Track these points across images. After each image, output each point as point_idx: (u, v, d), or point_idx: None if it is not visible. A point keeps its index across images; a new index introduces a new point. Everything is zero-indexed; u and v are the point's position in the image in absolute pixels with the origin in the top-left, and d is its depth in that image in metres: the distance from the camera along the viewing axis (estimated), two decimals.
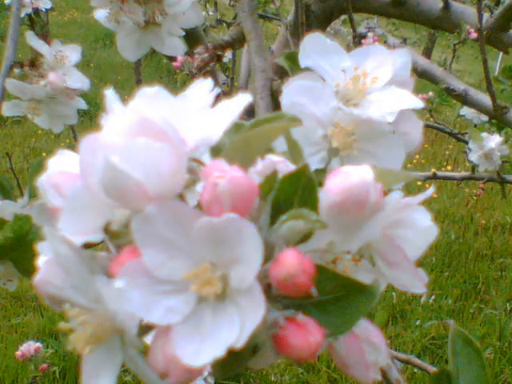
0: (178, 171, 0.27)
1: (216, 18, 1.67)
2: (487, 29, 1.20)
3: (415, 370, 2.08)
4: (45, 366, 1.84)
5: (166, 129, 0.27)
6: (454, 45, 1.50)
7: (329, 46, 0.42)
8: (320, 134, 0.40)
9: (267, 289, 0.27)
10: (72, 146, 0.34)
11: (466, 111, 1.93)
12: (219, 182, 0.26)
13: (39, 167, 0.72)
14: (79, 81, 0.84)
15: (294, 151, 0.33)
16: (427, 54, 5.64)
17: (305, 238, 0.29)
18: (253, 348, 0.27)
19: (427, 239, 0.35)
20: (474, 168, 1.68)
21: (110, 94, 0.30)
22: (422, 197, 0.34)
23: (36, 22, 1.25)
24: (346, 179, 0.29)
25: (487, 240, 3.29)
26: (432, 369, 0.54)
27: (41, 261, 0.30)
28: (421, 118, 0.42)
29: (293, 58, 0.48)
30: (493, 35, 1.25)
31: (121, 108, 0.29)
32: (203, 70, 0.80)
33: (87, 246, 0.30)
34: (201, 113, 0.30)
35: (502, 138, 1.62)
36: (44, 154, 3.43)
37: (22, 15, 1.21)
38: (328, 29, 1.50)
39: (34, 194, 0.71)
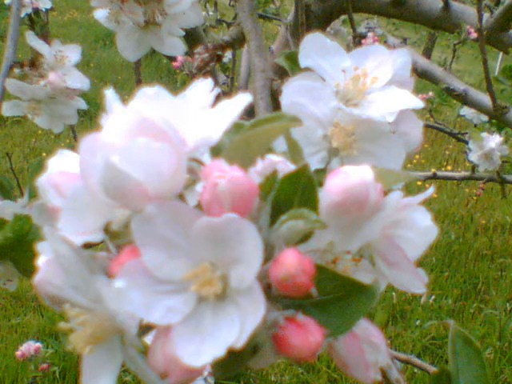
0: (178, 171, 0.27)
1: (216, 18, 1.67)
2: (487, 29, 1.21)
3: (415, 370, 2.08)
4: (45, 366, 1.83)
5: (166, 129, 0.27)
6: (454, 45, 1.50)
7: (329, 46, 0.42)
8: (320, 134, 0.40)
9: (267, 289, 0.27)
10: (72, 146, 0.34)
11: (466, 111, 1.93)
12: (219, 182, 0.26)
13: (39, 167, 0.72)
14: (79, 81, 0.84)
15: (294, 151, 0.33)
16: (427, 54, 5.64)
17: (305, 237, 0.29)
18: (253, 348, 0.27)
19: (427, 239, 0.35)
20: (473, 168, 1.68)
21: (110, 94, 0.30)
22: (421, 197, 0.34)
23: (36, 22, 1.25)
24: (346, 179, 0.29)
25: (487, 240, 3.28)
26: (432, 369, 0.54)
27: (41, 261, 0.30)
28: (421, 117, 0.42)
29: (293, 58, 0.48)
30: (493, 35, 1.25)
31: (121, 108, 0.29)
32: (203, 70, 0.80)
33: (87, 245, 0.30)
34: (201, 113, 0.30)
35: (502, 138, 1.62)
36: (44, 154, 3.43)
37: (22, 15, 1.21)
38: (328, 29, 1.50)
39: (34, 194, 0.71)
